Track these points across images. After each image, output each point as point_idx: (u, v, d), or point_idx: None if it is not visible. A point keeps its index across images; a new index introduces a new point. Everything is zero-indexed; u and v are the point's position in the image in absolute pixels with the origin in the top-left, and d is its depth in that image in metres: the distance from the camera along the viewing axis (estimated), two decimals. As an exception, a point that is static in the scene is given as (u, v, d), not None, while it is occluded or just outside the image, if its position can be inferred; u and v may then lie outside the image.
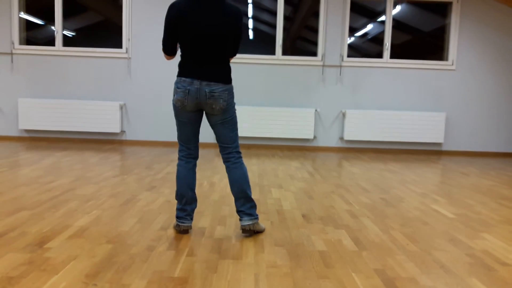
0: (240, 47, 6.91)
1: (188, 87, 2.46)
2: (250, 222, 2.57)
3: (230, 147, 2.60)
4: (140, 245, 2.38)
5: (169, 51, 2.57)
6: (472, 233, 2.81)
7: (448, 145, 6.94)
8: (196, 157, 2.67)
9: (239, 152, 2.63)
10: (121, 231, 2.62)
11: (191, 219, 2.63)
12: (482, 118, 6.92)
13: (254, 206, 2.61)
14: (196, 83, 2.45)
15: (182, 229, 2.60)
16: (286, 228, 2.78)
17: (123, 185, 3.87)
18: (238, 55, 6.72)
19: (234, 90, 6.80)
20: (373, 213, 3.23)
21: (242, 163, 2.62)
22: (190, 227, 2.63)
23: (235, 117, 2.60)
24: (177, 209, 2.63)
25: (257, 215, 2.62)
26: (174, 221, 2.86)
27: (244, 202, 2.58)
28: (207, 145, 6.82)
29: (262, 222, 2.89)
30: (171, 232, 2.64)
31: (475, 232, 2.84)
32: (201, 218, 2.93)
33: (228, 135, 2.58)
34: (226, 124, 2.55)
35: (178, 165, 2.65)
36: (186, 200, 2.60)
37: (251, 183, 4.11)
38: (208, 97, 2.46)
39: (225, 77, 2.50)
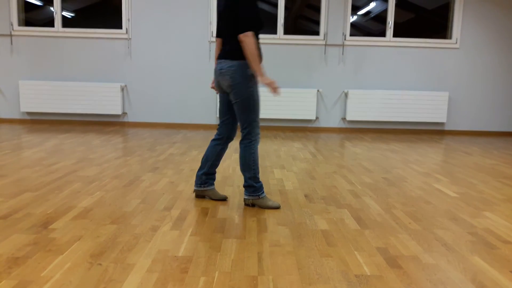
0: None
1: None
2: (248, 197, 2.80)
3: (241, 129, 2.72)
4: (144, 225, 2.40)
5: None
6: (474, 212, 2.82)
7: (451, 125, 6.92)
8: (222, 137, 2.82)
9: (246, 135, 2.69)
10: (125, 211, 2.63)
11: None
12: (485, 97, 6.88)
13: (249, 185, 2.75)
14: (217, 62, 2.66)
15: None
16: (288, 208, 2.79)
17: (126, 166, 3.88)
18: (239, 35, 6.63)
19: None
20: (376, 192, 3.24)
21: (244, 146, 2.71)
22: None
23: (248, 99, 2.60)
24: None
25: (254, 193, 2.77)
26: (177, 201, 2.87)
27: (245, 179, 2.76)
28: (209, 127, 6.81)
29: (265, 202, 2.90)
30: (174, 212, 2.65)
31: (477, 210, 2.85)
32: (204, 198, 2.94)
33: (239, 116, 2.67)
34: (236, 105, 2.64)
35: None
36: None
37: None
38: (218, 74, 2.63)
39: (231, 53, 2.57)
